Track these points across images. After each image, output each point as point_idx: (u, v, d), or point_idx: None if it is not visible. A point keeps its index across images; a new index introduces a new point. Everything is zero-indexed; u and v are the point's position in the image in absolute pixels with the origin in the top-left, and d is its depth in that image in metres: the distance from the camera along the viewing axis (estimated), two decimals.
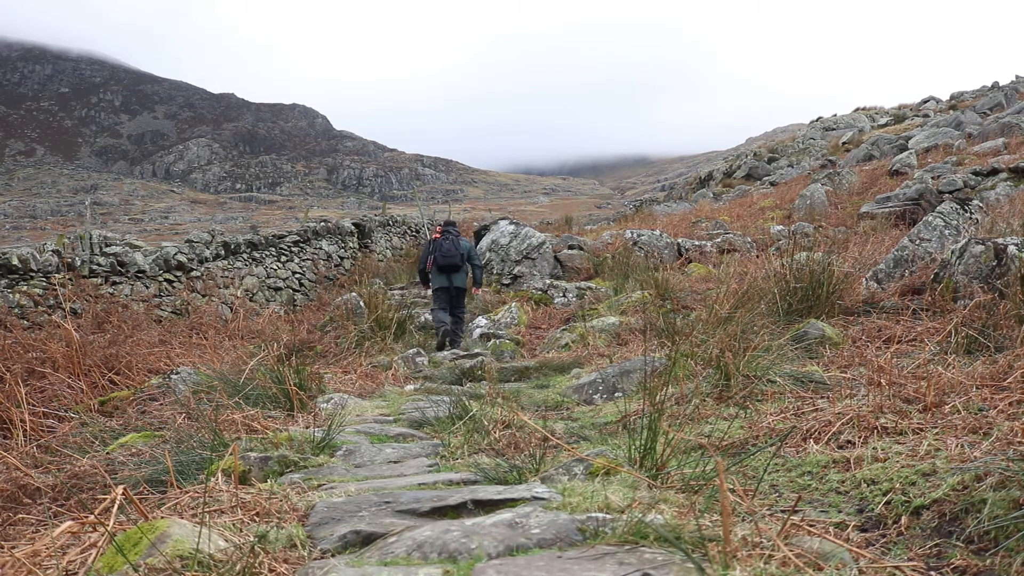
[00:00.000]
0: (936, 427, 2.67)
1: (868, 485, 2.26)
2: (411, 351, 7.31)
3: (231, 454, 2.44)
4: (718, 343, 4.23)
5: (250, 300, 13.07)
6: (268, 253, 14.38)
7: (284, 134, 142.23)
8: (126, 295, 10.71)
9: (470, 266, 9.24)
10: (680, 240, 14.01)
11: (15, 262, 9.35)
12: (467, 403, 3.97)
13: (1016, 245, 5.34)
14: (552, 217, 36.90)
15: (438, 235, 9.24)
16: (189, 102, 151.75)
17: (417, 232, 21.03)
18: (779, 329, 4.85)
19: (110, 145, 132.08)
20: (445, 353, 7.80)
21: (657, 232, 14.17)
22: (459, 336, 9.11)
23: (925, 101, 36.96)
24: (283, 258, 14.79)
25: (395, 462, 3.23)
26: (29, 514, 2.83)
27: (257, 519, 2.15)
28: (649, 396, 2.79)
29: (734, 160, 36.27)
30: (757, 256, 11.78)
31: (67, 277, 9.87)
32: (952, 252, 5.69)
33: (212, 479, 2.47)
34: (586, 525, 1.84)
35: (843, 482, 2.34)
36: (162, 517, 1.98)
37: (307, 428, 3.61)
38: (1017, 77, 31.26)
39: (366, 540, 1.92)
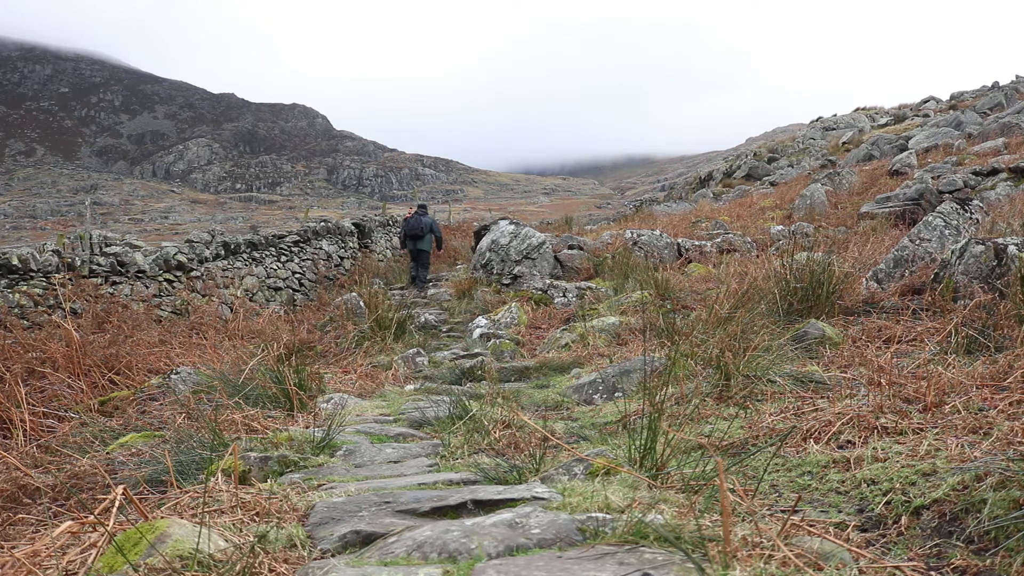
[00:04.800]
0: (936, 427, 2.67)
1: (868, 485, 2.26)
2: (411, 351, 7.30)
3: (231, 454, 2.44)
4: (718, 343, 4.22)
5: (250, 300, 13.06)
6: (268, 253, 14.38)
7: (284, 134, 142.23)
8: (126, 295, 10.71)
9: (432, 236, 13.55)
10: (680, 240, 14.00)
11: (15, 262, 9.35)
12: (467, 403, 3.97)
13: (1016, 245, 5.33)
14: (552, 217, 36.88)
15: (409, 215, 13.65)
16: (189, 102, 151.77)
17: None
18: (779, 329, 4.84)
19: (110, 145, 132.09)
20: (445, 353, 7.82)
21: (657, 232, 14.16)
22: (422, 281, 13.40)
23: (925, 101, 36.95)
24: (283, 258, 14.78)
25: (395, 462, 3.23)
26: (29, 514, 2.83)
27: (257, 519, 2.15)
28: (649, 396, 2.79)
29: (734, 160, 36.27)
30: (757, 256, 11.78)
31: (67, 277, 9.87)
32: (952, 252, 5.69)
33: (212, 479, 2.47)
34: (586, 525, 1.84)
35: (843, 482, 2.34)
36: (162, 517, 1.98)
37: (307, 428, 3.61)
38: (1017, 77, 31.26)
39: (366, 540, 1.92)
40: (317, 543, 1.94)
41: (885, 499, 2.12)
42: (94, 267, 10.49)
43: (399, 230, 14.03)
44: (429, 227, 13.44)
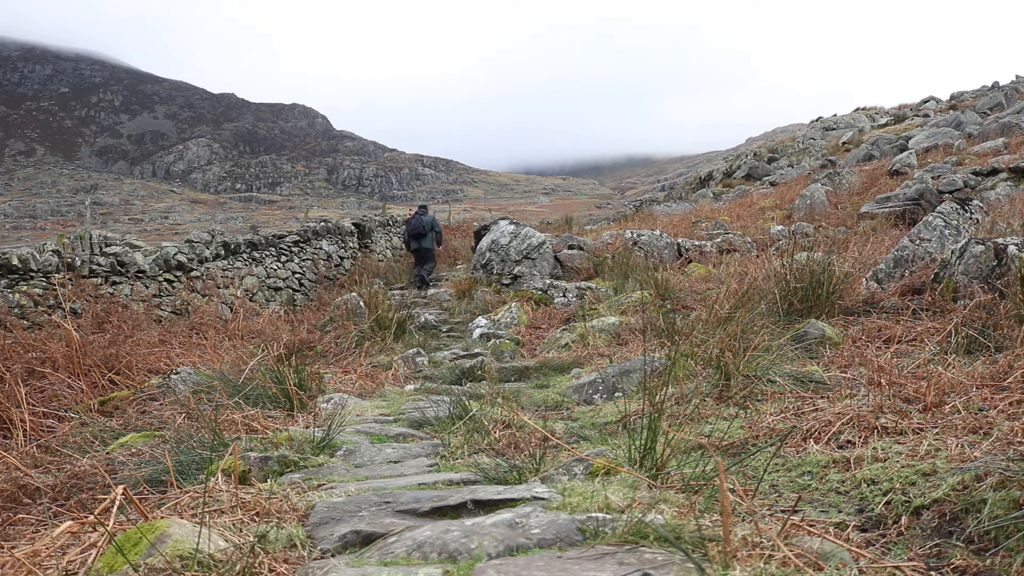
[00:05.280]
0: (936, 427, 2.67)
1: (868, 485, 2.26)
2: (411, 351, 7.30)
3: (231, 454, 2.44)
4: (718, 343, 4.22)
5: (250, 300, 13.06)
6: (268, 253, 14.37)
7: (284, 134, 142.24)
8: (126, 295, 10.71)
9: (434, 232, 14.14)
10: (680, 240, 14.00)
11: (15, 262, 9.35)
12: (467, 403, 3.97)
13: (1016, 245, 5.34)
14: (552, 217, 36.88)
15: (410, 215, 14.40)
16: (189, 102, 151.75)
17: None
18: (779, 329, 4.84)
19: (110, 145, 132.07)
20: (445, 353, 7.82)
21: (657, 232, 14.16)
22: (426, 280, 13.81)
23: (925, 101, 36.95)
24: (283, 258, 14.78)
25: (395, 462, 3.23)
26: (29, 514, 2.83)
27: (257, 519, 2.15)
28: (649, 396, 2.79)
29: (734, 160, 36.27)
30: (757, 256, 11.78)
31: (67, 277, 9.87)
32: (952, 252, 5.69)
33: (212, 479, 2.47)
34: (586, 525, 1.84)
35: (843, 482, 2.34)
36: (162, 517, 1.98)
37: (307, 428, 3.61)
38: (1017, 77, 31.26)
39: (366, 540, 1.92)
40: (317, 543, 1.94)
41: (885, 499, 2.12)
42: (94, 267, 10.49)
43: (402, 230, 15.72)
44: (430, 225, 14.12)
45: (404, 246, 14.83)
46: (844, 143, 29.21)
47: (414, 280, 13.94)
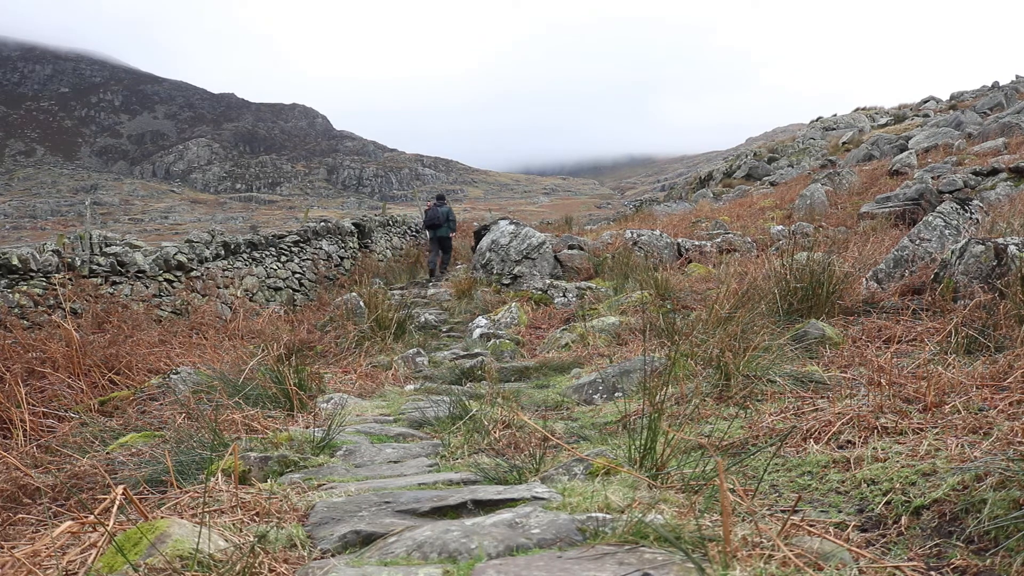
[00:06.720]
0: (936, 427, 2.67)
1: (868, 485, 2.26)
2: (411, 351, 7.30)
3: (231, 454, 2.44)
4: (718, 343, 4.22)
5: (250, 300, 13.06)
6: (268, 253, 14.37)
7: (284, 134, 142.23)
8: (126, 295, 10.71)
9: (448, 222, 15.49)
10: (680, 240, 13.99)
11: (15, 262, 9.35)
12: (467, 403, 3.97)
13: (1016, 245, 5.34)
14: (552, 217, 36.90)
15: (429, 207, 15.66)
16: (189, 102, 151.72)
17: (417, 232, 20.99)
18: (779, 329, 4.84)
19: (110, 145, 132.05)
20: (445, 353, 7.82)
21: (657, 232, 14.15)
22: (445, 264, 15.72)
23: (925, 101, 36.95)
24: (283, 258, 14.78)
25: (395, 462, 3.23)
26: (29, 514, 2.83)
27: (257, 519, 2.15)
28: (649, 396, 2.79)
29: (734, 160, 36.26)
30: (757, 256, 11.77)
31: (67, 277, 9.87)
32: (952, 252, 5.69)
33: (212, 479, 2.47)
34: (586, 525, 1.84)
35: (843, 482, 2.34)
36: (162, 517, 1.98)
37: (307, 428, 3.61)
38: (1017, 77, 31.25)
39: (366, 540, 1.92)
40: (317, 543, 1.94)
41: (885, 499, 2.12)
42: (94, 267, 10.49)
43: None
44: (446, 216, 15.46)
45: (420, 233, 17.96)
46: (844, 143, 29.20)
47: (429, 269, 15.56)
